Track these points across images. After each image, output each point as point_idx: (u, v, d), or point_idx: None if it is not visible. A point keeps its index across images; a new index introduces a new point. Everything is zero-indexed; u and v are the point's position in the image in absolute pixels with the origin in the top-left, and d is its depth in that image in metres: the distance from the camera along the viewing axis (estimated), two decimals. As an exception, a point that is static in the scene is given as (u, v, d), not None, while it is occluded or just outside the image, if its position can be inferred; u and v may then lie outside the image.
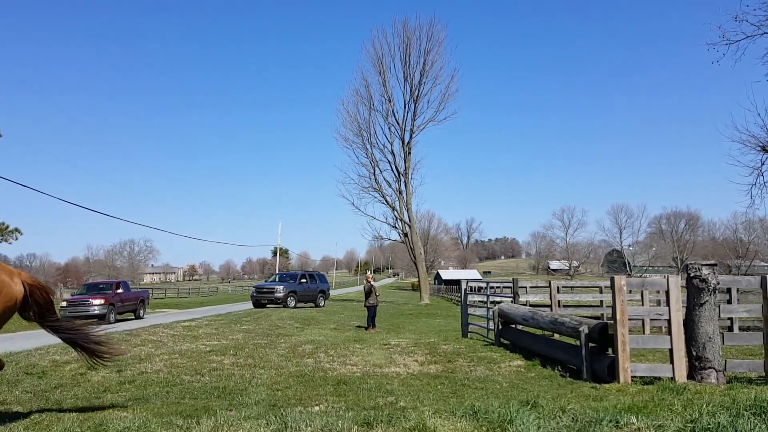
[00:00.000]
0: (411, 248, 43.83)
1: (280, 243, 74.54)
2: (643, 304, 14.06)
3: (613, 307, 7.77)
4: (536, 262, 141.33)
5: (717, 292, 7.54)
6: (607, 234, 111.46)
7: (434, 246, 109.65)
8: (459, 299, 20.24)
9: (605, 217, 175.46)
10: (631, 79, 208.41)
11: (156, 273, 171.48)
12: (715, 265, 7.72)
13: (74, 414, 6.25)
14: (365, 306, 18.88)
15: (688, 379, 7.38)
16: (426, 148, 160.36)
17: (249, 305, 31.62)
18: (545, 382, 8.19)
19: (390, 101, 43.82)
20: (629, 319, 7.90)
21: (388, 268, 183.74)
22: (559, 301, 15.16)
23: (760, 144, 16.17)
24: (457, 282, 22.20)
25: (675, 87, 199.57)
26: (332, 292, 41.74)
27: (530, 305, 14.80)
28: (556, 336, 11.52)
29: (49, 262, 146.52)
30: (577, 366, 8.67)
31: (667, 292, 7.69)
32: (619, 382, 7.41)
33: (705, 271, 7.42)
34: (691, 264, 7.65)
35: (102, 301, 22.22)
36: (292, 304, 29.48)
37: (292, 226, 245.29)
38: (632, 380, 7.48)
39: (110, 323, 21.67)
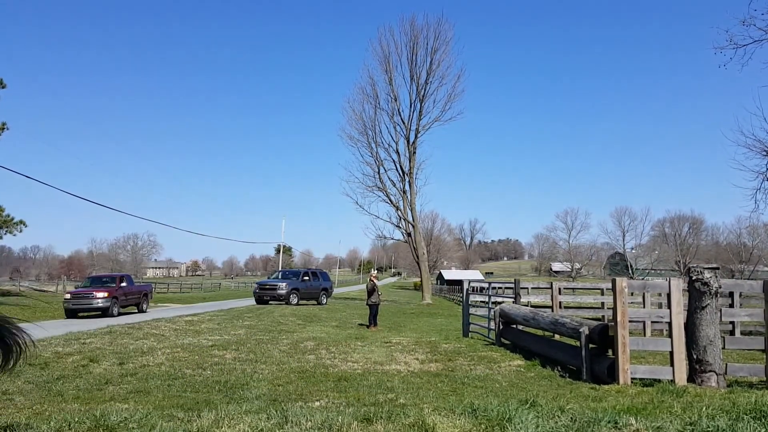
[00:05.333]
0: (414, 248, 43.71)
1: (284, 240, 74.89)
2: (644, 307, 14.05)
3: (614, 309, 7.78)
4: (539, 263, 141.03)
5: (719, 295, 7.54)
6: (609, 237, 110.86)
7: (437, 246, 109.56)
8: (461, 299, 20.25)
9: (608, 219, 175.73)
10: (637, 82, 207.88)
11: (159, 268, 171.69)
12: (718, 269, 7.70)
13: (76, 405, 6.31)
14: (367, 304, 18.91)
15: (688, 382, 7.38)
16: (431, 149, 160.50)
17: (251, 301, 31.67)
18: (545, 382, 8.20)
19: (396, 100, 43.65)
20: (630, 321, 7.91)
21: (390, 268, 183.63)
22: (560, 302, 15.15)
23: (766, 149, 16.13)
24: (460, 282, 22.19)
25: (680, 90, 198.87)
26: (335, 290, 41.76)
27: (531, 306, 14.81)
28: (557, 337, 11.53)
29: (52, 254, 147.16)
30: (576, 367, 8.67)
31: (669, 295, 7.69)
32: (618, 383, 7.41)
33: (707, 274, 7.41)
34: (693, 267, 7.64)
35: (105, 294, 22.31)
36: (295, 301, 29.51)
37: (295, 224, 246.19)
38: (632, 382, 7.49)
39: (113, 316, 21.83)
